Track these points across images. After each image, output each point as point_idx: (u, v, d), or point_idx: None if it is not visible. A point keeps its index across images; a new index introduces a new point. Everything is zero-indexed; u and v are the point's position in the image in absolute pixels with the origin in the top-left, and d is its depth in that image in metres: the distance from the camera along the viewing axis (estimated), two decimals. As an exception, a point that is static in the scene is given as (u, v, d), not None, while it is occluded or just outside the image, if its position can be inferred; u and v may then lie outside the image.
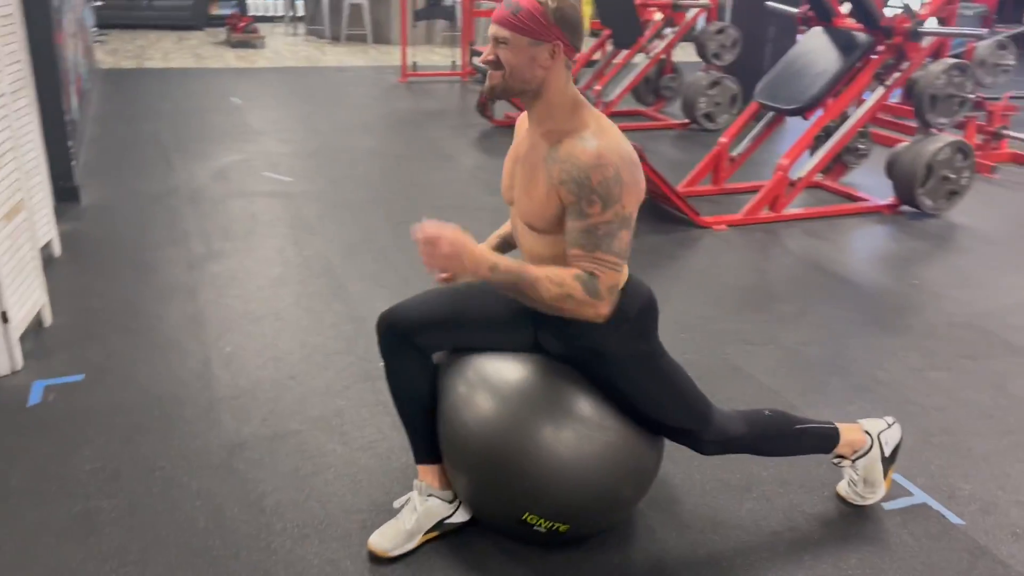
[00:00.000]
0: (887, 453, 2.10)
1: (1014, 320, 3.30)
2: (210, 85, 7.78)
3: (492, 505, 1.90)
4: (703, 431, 1.90)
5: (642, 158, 3.98)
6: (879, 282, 3.66)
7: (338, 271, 3.53)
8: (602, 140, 1.66)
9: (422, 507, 1.97)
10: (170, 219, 4.08)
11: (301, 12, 13.10)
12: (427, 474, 2.00)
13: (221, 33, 11.50)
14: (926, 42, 4.31)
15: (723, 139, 4.76)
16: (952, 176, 4.46)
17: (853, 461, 2.09)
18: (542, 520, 1.86)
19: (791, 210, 4.45)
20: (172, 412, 2.45)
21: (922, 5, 4.38)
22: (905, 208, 4.64)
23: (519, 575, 1.88)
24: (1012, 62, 5.53)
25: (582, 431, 1.82)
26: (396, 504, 2.03)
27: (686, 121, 6.61)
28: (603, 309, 1.70)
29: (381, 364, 2.77)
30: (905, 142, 4.60)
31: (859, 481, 2.12)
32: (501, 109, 6.69)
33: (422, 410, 1.95)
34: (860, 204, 4.63)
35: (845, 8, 4.47)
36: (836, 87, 4.35)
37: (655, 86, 7.10)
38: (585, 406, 1.84)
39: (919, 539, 2.04)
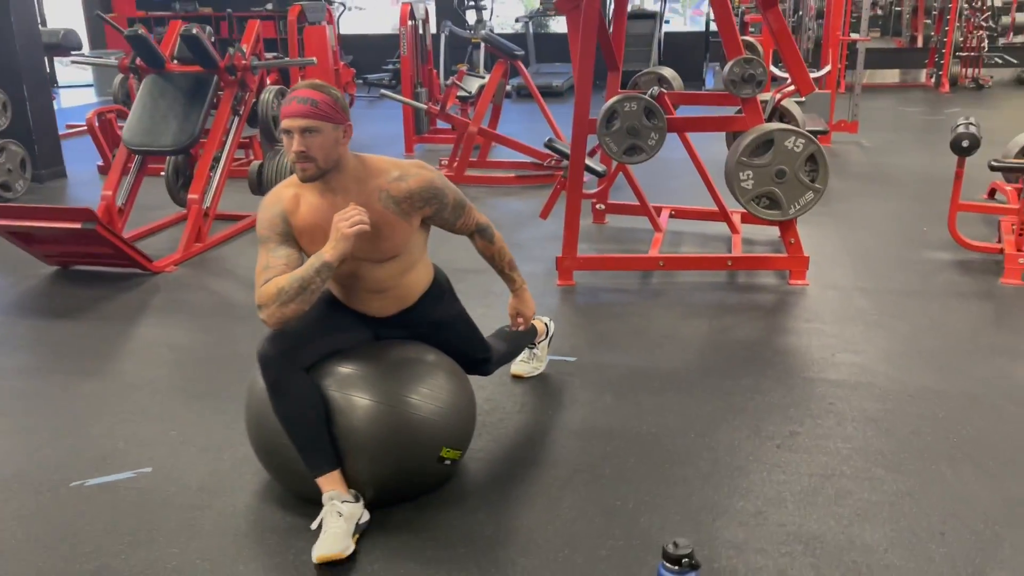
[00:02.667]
0: (551, 335, 3.09)
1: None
2: None
3: (411, 460, 2.25)
4: (491, 356, 2.58)
5: (96, 219, 3.91)
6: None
7: None
8: (403, 168, 2.22)
9: (346, 511, 2.15)
10: None
11: None
12: (333, 484, 2.18)
13: None
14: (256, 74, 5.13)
15: (107, 192, 4.76)
16: (305, 178, 5.46)
17: (538, 343, 3.02)
18: (452, 452, 2.30)
19: (212, 237, 4.84)
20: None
21: (240, 46, 5.15)
22: (278, 213, 5.45)
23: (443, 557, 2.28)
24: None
25: (445, 375, 2.33)
26: (314, 525, 2.14)
27: (-24, 196, 5.98)
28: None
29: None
30: (256, 160, 5.37)
31: (535, 358, 3.05)
32: None
33: (317, 421, 2.16)
34: (243, 223, 5.25)
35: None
36: (206, 122, 4.85)
37: (-94, 168, 6.10)
38: (435, 356, 2.35)
39: (571, 383, 3.10)
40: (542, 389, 3.01)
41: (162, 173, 5.33)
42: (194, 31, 4.72)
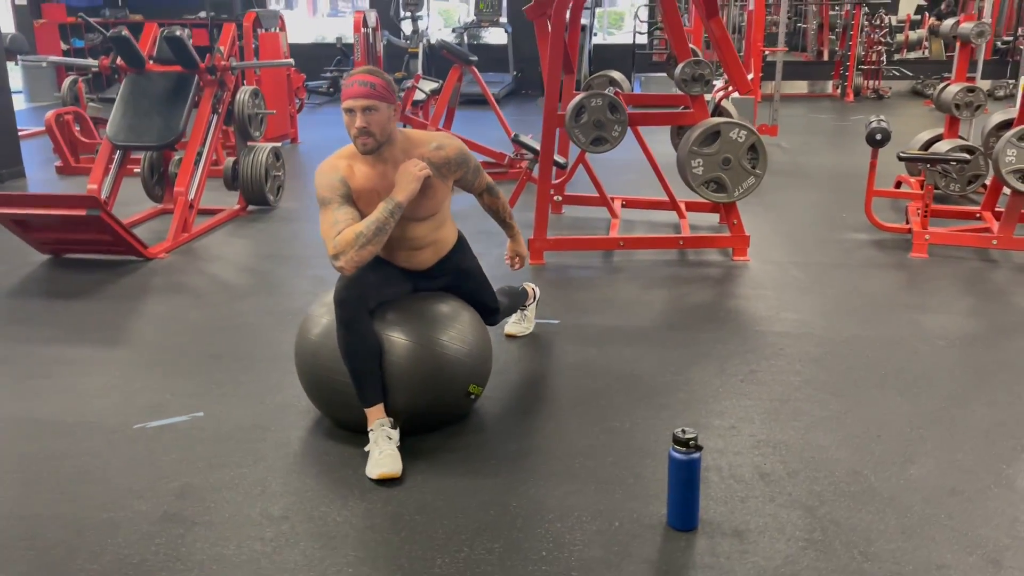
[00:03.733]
0: (538, 299, 3.54)
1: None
2: None
3: (443, 393, 2.65)
4: (499, 307, 3.01)
5: (100, 207, 4.17)
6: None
7: None
8: (438, 139, 2.65)
9: (394, 436, 2.53)
10: None
11: None
12: (381, 413, 2.56)
13: None
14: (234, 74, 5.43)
15: (92, 185, 4.98)
16: (277, 175, 5.76)
17: (528, 306, 3.45)
18: (476, 388, 2.71)
19: (196, 228, 5.10)
20: None
21: (219, 48, 5.43)
22: (252, 207, 5.74)
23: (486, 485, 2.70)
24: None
25: (470, 322, 2.74)
26: (367, 448, 2.51)
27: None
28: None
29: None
30: (231, 158, 5.66)
31: (525, 319, 3.48)
32: None
33: (375, 358, 2.53)
34: (221, 215, 5.51)
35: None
36: (188, 119, 5.12)
37: None
38: (460, 307, 2.76)
39: (559, 340, 3.54)
40: (534, 345, 3.45)
41: (136, 171, 5.57)
42: (177, 33, 5.00)
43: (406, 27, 12.86)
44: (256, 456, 2.59)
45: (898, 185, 6.11)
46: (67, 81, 8.34)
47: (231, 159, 5.63)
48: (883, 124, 4.66)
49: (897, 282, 4.24)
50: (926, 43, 14.38)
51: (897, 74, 12.96)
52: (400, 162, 2.55)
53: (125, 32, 5.04)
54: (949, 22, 5.90)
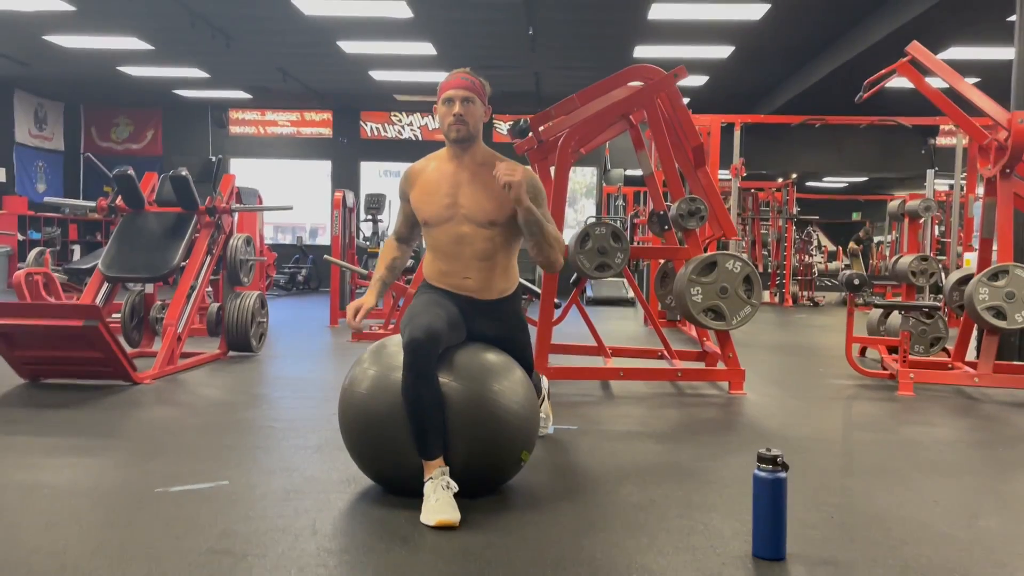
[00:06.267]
0: (548, 390, 3.46)
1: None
2: None
3: (501, 460, 2.55)
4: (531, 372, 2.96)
5: (100, 318, 4.06)
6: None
7: None
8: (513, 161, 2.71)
9: (453, 486, 2.40)
10: None
11: None
12: (440, 464, 2.43)
13: None
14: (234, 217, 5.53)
15: (78, 316, 4.85)
16: (262, 321, 5.72)
17: (542, 400, 3.37)
18: (526, 453, 2.61)
19: (181, 363, 4.95)
20: None
21: (219, 191, 5.57)
22: (233, 353, 5.62)
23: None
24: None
25: (524, 385, 2.67)
26: (427, 492, 2.36)
27: None
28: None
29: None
30: (215, 303, 5.62)
31: (543, 417, 3.40)
32: None
33: (441, 409, 2.45)
34: (202, 356, 5.37)
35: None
36: (184, 256, 5.13)
37: None
38: (512, 370, 2.69)
39: (584, 439, 3.47)
40: (558, 440, 3.36)
41: (116, 314, 5.48)
42: (183, 172, 5.14)
43: (366, 228, 13.38)
44: (297, 510, 2.40)
45: (863, 351, 6.39)
46: (34, 252, 8.31)
47: (215, 304, 5.59)
48: (857, 271, 4.96)
49: (894, 409, 4.33)
50: (845, 265, 15.61)
51: (829, 284, 13.88)
52: (473, 172, 2.63)
53: (130, 171, 5.16)
54: (895, 203, 6.48)
